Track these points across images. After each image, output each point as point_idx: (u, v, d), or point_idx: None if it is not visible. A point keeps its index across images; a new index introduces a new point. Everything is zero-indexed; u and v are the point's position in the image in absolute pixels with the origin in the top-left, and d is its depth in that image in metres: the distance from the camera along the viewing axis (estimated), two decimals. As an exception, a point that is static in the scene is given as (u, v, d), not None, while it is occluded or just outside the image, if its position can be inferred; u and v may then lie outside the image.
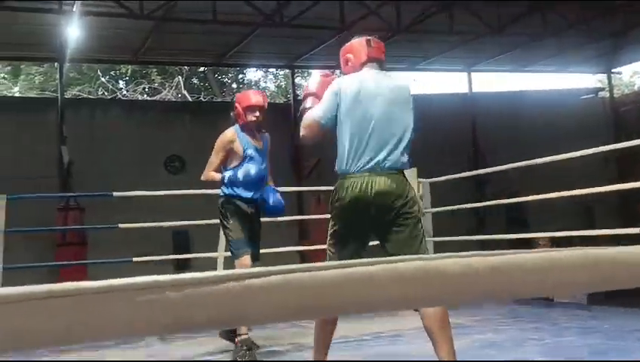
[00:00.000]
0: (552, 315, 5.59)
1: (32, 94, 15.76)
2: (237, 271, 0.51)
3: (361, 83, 2.86)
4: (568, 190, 6.16)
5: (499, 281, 0.55)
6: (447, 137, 12.61)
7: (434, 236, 7.96)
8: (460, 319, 5.77)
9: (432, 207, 8.13)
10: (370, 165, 2.77)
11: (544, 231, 6.87)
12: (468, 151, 13.15)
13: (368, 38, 3.03)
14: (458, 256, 0.58)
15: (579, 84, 16.21)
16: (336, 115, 2.86)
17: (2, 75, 17.68)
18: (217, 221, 7.48)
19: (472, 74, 13.98)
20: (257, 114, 4.26)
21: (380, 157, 2.78)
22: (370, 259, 0.52)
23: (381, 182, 2.75)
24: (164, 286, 0.48)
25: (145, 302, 0.47)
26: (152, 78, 16.42)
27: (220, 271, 0.51)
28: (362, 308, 0.57)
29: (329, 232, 2.93)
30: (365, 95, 2.83)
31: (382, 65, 3.03)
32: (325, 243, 2.96)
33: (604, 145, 6.10)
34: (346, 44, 3.08)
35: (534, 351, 3.93)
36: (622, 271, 0.58)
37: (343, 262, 0.52)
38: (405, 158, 2.87)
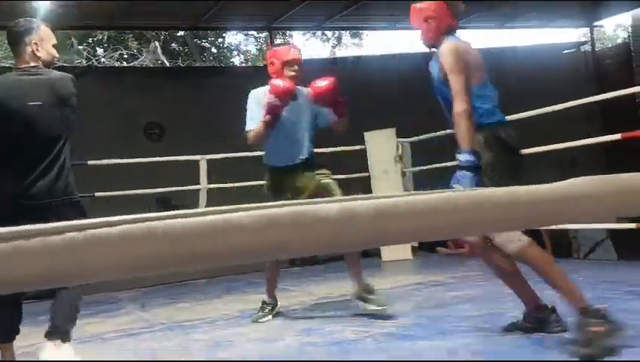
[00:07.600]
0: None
1: (7, 64, 15.44)
2: (80, 222, 0.47)
3: None
4: (551, 144, 6.18)
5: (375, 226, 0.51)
6: (428, 97, 12.46)
7: (415, 195, 7.98)
8: (440, 276, 5.84)
9: (413, 166, 8.14)
10: None
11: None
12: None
13: None
14: (343, 199, 0.54)
15: (561, 39, 16.11)
16: None
17: (-24, 44, 17.31)
18: (198, 186, 7.39)
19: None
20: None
21: None
22: (230, 207, 0.48)
23: None
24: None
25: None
26: (129, 44, 16.11)
27: (60, 223, 0.47)
28: (215, 260, 0.53)
29: None
30: None
31: None
32: None
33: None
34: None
35: (509, 305, 3.95)
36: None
37: (196, 210, 0.48)
38: None
